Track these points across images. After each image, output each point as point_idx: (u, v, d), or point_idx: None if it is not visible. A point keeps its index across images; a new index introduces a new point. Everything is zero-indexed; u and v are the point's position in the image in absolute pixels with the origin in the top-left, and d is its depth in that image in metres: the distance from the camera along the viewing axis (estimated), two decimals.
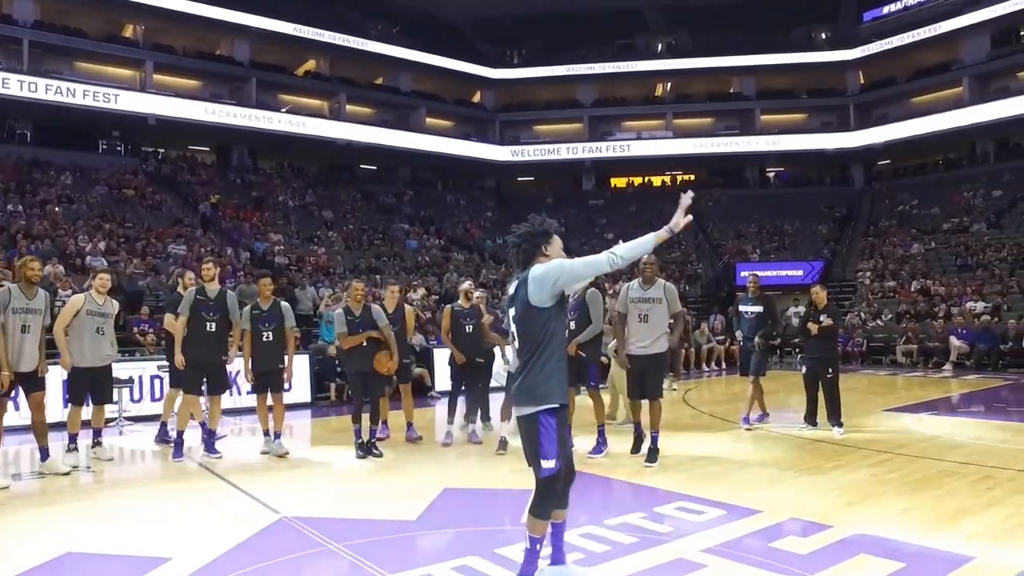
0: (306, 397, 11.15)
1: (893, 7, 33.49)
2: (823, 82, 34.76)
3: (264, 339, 7.01)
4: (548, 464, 3.24)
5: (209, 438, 7.08)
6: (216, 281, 7.05)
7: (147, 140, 28.28)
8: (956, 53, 31.36)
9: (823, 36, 35.67)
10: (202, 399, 7.36)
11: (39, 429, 6.19)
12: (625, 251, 3.23)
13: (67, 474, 6.25)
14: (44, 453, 6.27)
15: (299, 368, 10.89)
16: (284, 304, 7.29)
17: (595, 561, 3.89)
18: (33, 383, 6.15)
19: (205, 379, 6.97)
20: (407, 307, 8.27)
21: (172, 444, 7.05)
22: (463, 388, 7.94)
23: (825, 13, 34.95)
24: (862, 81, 34.61)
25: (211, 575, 3.81)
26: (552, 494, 3.30)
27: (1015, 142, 30.60)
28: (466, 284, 8.12)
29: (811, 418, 8.10)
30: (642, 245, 3.24)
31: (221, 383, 7.09)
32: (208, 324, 6.83)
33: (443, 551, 4.17)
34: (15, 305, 6.02)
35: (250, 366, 7.04)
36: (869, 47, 33.30)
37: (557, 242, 3.44)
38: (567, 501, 3.46)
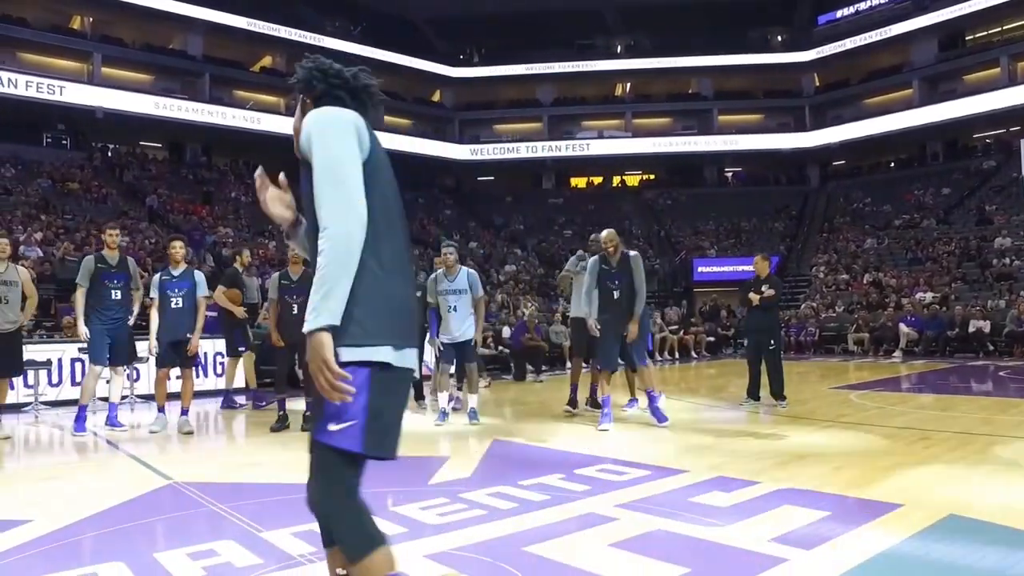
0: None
1: (846, 11, 34.04)
2: (779, 83, 35.13)
3: (173, 304, 6.53)
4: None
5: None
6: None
7: (95, 134, 27.35)
8: (907, 56, 31.97)
9: (779, 38, 36.12)
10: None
11: None
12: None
13: None
14: None
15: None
16: (198, 272, 6.88)
17: (497, 517, 3.58)
18: None
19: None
20: None
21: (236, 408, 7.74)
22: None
23: (781, 16, 35.40)
24: (817, 83, 35.10)
25: (72, 533, 3.43)
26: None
27: (962, 143, 31.35)
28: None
29: (753, 392, 7.86)
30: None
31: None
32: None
33: None
34: None
35: (155, 336, 6.59)
36: (823, 49, 33.77)
37: None
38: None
